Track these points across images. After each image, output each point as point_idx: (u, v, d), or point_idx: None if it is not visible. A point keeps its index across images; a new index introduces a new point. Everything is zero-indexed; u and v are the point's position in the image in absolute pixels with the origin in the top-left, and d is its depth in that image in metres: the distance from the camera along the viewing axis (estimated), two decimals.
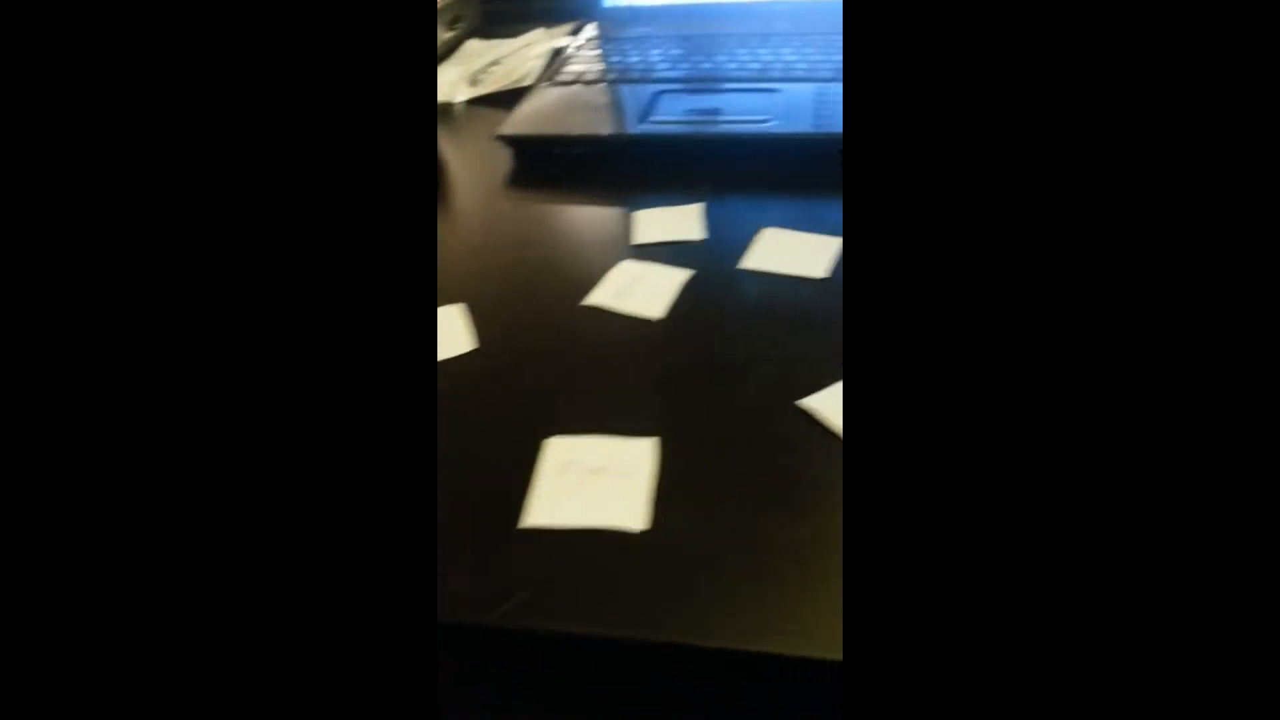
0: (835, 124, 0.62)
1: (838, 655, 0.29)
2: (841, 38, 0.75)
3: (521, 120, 0.68)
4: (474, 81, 0.82)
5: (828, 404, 0.40)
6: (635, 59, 0.77)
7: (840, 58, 0.72)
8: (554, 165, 0.66)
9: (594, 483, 0.36)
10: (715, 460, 0.37)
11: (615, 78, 0.74)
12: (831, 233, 0.53)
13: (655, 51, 0.78)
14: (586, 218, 0.60)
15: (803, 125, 0.62)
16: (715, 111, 0.66)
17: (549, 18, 0.94)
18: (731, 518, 0.34)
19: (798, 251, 0.52)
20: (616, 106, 0.69)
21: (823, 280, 0.49)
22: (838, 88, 0.68)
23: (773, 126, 0.62)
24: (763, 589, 0.31)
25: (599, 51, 0.80)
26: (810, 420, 0.39)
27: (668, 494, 0.35)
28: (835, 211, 0.56)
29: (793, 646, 0.30)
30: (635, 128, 0.65)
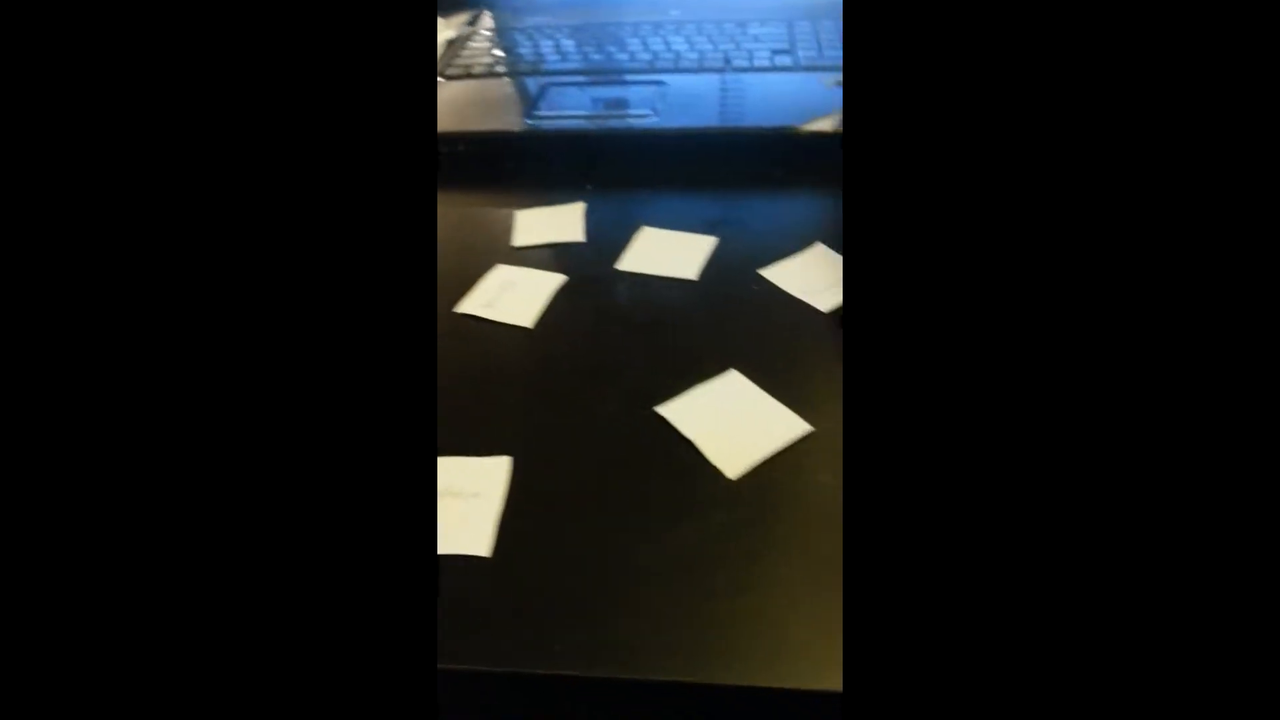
0: (717, 117, 0.62)
1: (695, 677, 0.29)
2: (734, 26, 0.75)
3: None
4: None
5: (682, 411, 0.40)
6: (526, 50, 0.76)
7: (729, 47, 0.72)
8: (437, 164, 0.64)
9: (441, 507, 0.35)
10: (569, 478, 0.37)
11: (504, 70, 0.72)
12: (707, 231, 0.53)
13: (547, 42, 0.76)
14: (467, 219, 0.59)
15: (685, 119, 0.62)
16: (602, 105, 0.65)
17: (445, 6, 0.92)
18: (580, 539, 0.34)
19: (673, 252, 0.52)
20: (502, 102, 0.68)
21: (693, 282, 0.49)
22: (725, 79, 0.67)
23: (654, 122, 0.62)
24: (610, 611, 0.31)
25: (489, 43, 0.78)
26: (668, 428, 0.39)
27: (517, 516, 0.35)
28: (712, 208, 0.56)
29: (644, 670, 0.30)
30: (518, 124, 0.64)
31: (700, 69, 0.69)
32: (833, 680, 0.29)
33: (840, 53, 0.69)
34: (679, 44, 0.73)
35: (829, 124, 0.58)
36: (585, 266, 0.51)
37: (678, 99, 0.65)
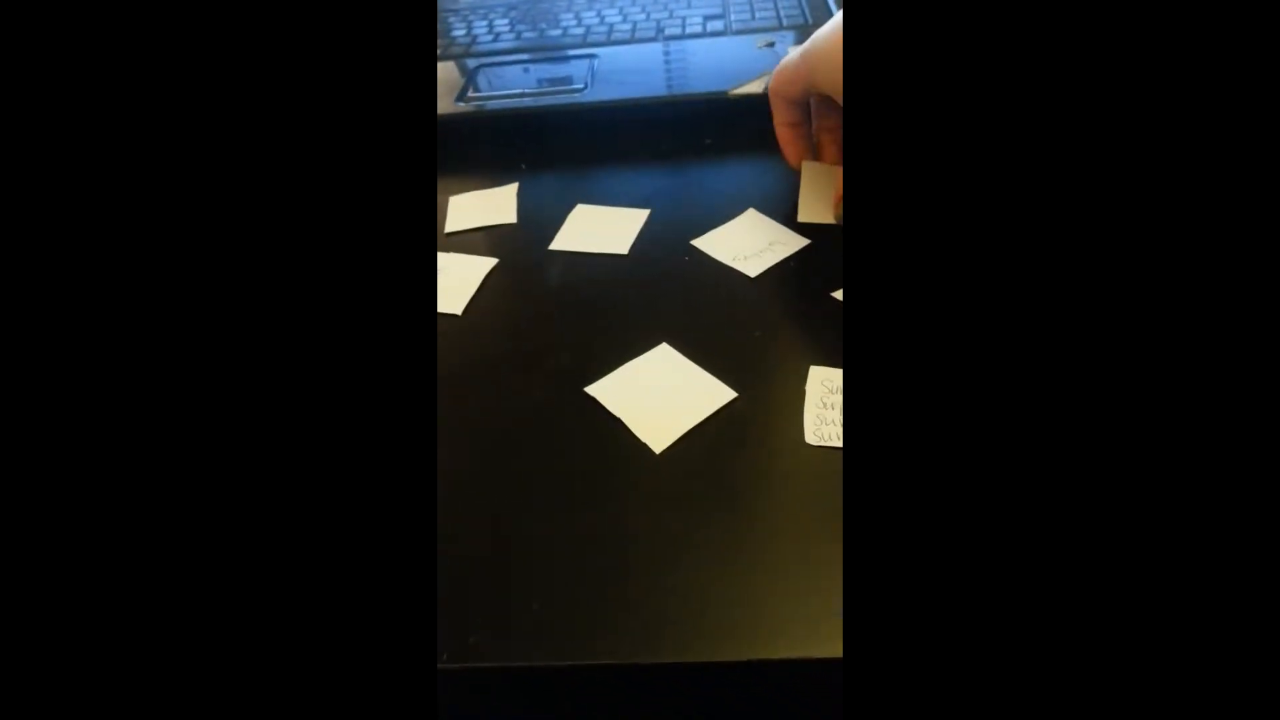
0: (649, 87, 0.61)
1: (631, 658, 0.29)
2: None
3: None
4: None
5: (611, 389, 0.39)
6: (459, 32, 0.75)
7: (662, 15, 0.71)
8: None
9: None
10: (497, 462, 0.37)
11: (439, 54, 0.71)
12: (641, 205, 0.52)
13: (481, 24, 0.75)
14: None
15: (618, 92, 0.61)
16: (534, 83, 0.65)
17: None
18: (501, 525, 0.34)
19: (606, 228, 0.51)
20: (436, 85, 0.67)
21: (625, 257, 0.49)
22: (658, 48, 0.66)
23: (587, 95, 0.61)
24: (534, 596, 0.31)
25: None
26: (598, 407, 0.39)
27: (443, 508, 0.35)
28: (646, 181, 0.55)
29: (570, 655, 0.30)
30: (450, 107, 0.63)
31: (633, 40, 0.68)
32: (754, 651, 0.29)
33: (772, 13, 0.69)
34: (613, 16, 0.72)
35: (758, 86, 0.58)
36: (517, 249, 0.51)
37: (611, 72, 0.64)
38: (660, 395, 0.39)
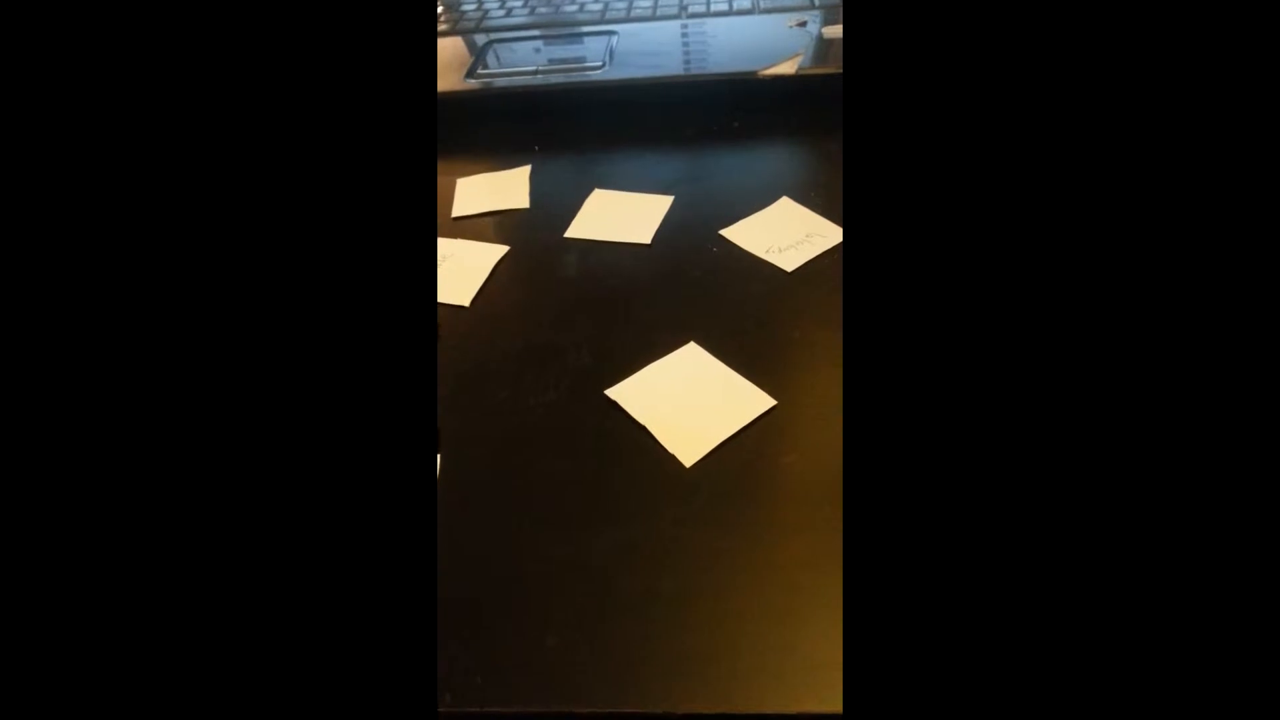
0: (671, 67, 0.57)
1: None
2: None
3: None
4: None
5: (634, 392, 0.35)
6: (470, 6, 0.70)
7: None
8: None
9: None
10: (506, 476, 0.33)
11: (447, 29, 0.67)
12: (663, 191, 0.48)
13: None
14: None
15: (638, 71, 0.57)
16: (549, 61, 0.61)
17: None
18: (515, 544, 0.30)
19: (626, 214, 0.47)
20: (443, 61, 0.63)
21: (647, 247, 0.45)
22: (681, 26, 0.62)
23: (605, 75, 0.57)
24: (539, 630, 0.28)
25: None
26: (620, 413, 0.35)
27: (448, 519, 0.31)
28: (669, 165, 0.51)
29: (588, 701, 0.26)
30: (459, 84, 0.59)
31: (655, 17, 0.64)
32: (801, 702, 0.25)
33: None
34: None
35: (789, 67, 0.54)
36: (530, 236, 0.47)
37: (631, 50, 0.60)
38: (689, 401, 0.35)
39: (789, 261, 0.42)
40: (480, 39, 0.64)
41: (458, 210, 0.50)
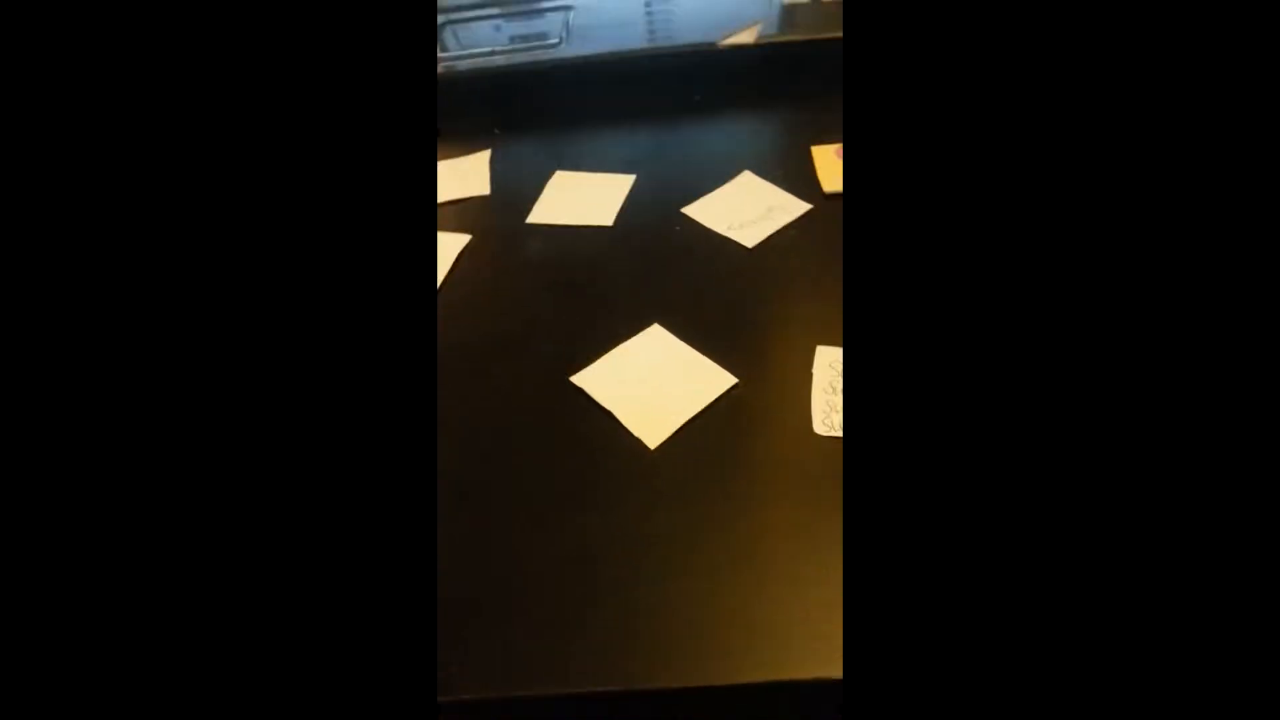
0: (630, 39, 0.56)
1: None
2: None
3: None
4: None
5: (599, 378, 0.36)
6: None
7: None
8: None
9: None
10: (474, 467, 0.33)
11: None
12: (625, 170, 0.48)
13: None
14: None
15: (596, 46, 0.57)
16: (510, 39, 0.60)
17: None
18: (480, 534, 0.31)
19: (588, 196, 0.47)
20: None
21: (610, 229, 0.44)
22: None
23: (562, 51, 0.56)
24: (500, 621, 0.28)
25: None
26: (585, 398, 0.35)
27: None
28: (630, 143, 0.51)
29: (569, 683, 0.26)
30: None
31: None
32: (778, 671, 0.26)
33: None
34: None
35: (749, 36, 0.53)
36: (492, 223, 0.47)
37: (588, 25, 0.59)
38: (653, 383, 0.35)
39: (750, 238, 0.42)
40: (439, 20, 0.63)
41: None
